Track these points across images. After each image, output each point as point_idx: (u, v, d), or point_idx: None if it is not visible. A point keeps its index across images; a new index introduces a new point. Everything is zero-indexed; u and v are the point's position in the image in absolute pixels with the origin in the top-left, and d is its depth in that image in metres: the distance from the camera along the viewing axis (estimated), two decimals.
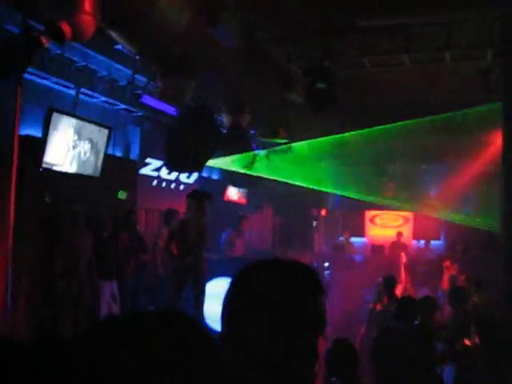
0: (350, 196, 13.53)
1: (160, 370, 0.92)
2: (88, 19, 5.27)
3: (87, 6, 5.20)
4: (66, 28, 5.14)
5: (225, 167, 11.67)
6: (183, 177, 11.50)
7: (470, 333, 6.24)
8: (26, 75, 6.63)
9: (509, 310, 6.95)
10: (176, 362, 0.94)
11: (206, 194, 8.40)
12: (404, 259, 11.46)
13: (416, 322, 6.06)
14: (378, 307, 8.79)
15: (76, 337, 1.02)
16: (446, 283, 9.41)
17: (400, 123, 10.85)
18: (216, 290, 8.55)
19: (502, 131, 7.71)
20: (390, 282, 7.46)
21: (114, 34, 6.18)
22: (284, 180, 12.48)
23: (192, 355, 0.96)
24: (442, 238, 14.58)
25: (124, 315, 1.06)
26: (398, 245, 13.94)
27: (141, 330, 0.97)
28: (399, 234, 14.35)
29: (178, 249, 7.93)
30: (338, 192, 13.92)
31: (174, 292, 7.89)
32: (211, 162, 10.48)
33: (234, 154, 10.18)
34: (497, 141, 9.26)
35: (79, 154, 8.14)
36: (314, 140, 11.74)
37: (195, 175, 11.73)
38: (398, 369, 5.40)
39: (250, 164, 11.51)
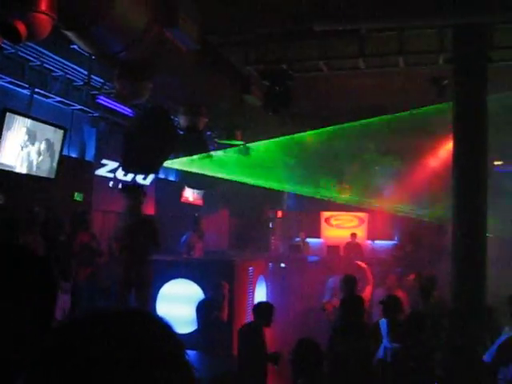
0: (305, 195, 13.60)
1: (124, 368, 0.92)
2: (44, 18, 5.20)
3: (43, 5, 5.13)
4: (21, 27, 5.07)
5: (182, 167, 11.60)
6: (140, 178, 11.43)
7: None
8: None
9: (457, 306, 7.19)
10: (139, 360, 0.94)
11: (136, 187, 8.12)
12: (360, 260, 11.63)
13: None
14: (328, 307, 8.94)
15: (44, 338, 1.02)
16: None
17: (354, 123, 11.00)
18: (173, 292, 8.54)
19: (452, 132, 7.93)
20: (349, 282, 7.57)
21: (69, 34, 6.11)
22: (240, 180, 12.47)
23: (156, 353, 0.97)
24: (396, 238, 14.85)
25: (86, 314, 1.03)
26: (352, 245, 14.15)
27: (102, 327, 0.97)
28: (353, 235, 14.56)
29: (124, 254, 7.64)
30: (295, 191, 14.00)
31: (121, 299, 7.65)
32: (168, 163, 10.44)
33: (190, 155, 10.16)
34: (448, 140, 9.54)
35: (34, 155, 8.02)
36: (270, 140, 11.79)
37: (151, 177, 11.68)
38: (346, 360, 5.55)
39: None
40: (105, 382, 0.91)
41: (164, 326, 1.03)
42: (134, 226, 7.57)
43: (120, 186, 10.16)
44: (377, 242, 15.31)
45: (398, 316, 6.56)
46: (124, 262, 7.56)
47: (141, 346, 0.96)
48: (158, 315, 1.06)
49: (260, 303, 6.91)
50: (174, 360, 0.99)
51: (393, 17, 6.90)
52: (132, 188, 8.01)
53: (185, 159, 10.80)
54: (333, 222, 16.11)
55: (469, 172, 7.58)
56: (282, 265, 11.46)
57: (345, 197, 14.26)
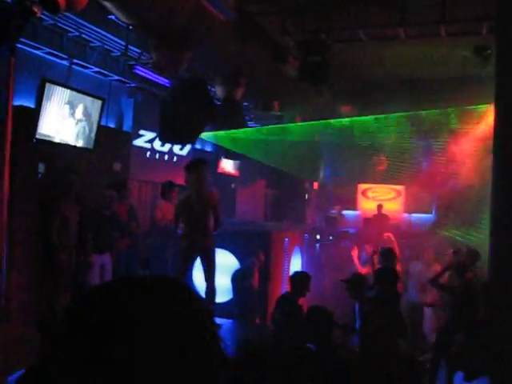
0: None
1: (152, 336, 0.93)
2: None
3: None
4: None
5: (217, 142, 11.67)
6: (176, 148, 11.48)
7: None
8: (19, 45, 6.57)
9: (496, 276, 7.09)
10: (168, 326, 0.95)
11: (203, 162, 8.13)
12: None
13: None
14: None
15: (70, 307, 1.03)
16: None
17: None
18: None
19: (494, 108, 7.73)
20: (387, 255, 7.54)
21: (107, 5, 6.12)
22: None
23: (184, 320, 0.97)
24: (433, 211, 14.67)
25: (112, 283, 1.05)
26: (378, 217, 14.02)
27: (132, 294, 0.98)
28: (380, 206, 14.43)
29: (185, 225, 7.71)
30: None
31: (180, 267, 7.75)
32: (204, 135, 10.48)
33: (227, 126, 10.16)
34: (488, 117, 9.32)
35: (73, 125, 8.11)
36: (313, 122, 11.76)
37: (188, 147, 11.72)
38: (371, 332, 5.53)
39: None
40: (125, 346, 0.92)
41: (191, 295, 1.04)
42: (194, 199, 7.62)
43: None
44: (414, 215, 15.15)
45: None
46: (185, 235, 7.67)
47: (165, 313, 0.95)
48: (186, 284, 1.06)
49: (296, 273, 6.92)
50: (198, 329, 0.98)
51: None
52: (197, 162, 8.01)
53: (221, 133, 10.83)
54: (369, 194, 15.98)
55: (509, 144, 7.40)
56: (318, 236, 11.45)
57: (382, 169, 14.14)
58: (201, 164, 7.87)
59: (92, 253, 8.03)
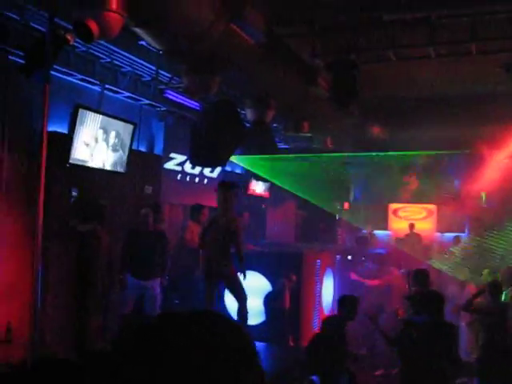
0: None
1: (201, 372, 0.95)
2: (115, 17, 5.31)
3: (114, 3, 5.24)
4: (94, 27, 5.19)
5: (247, 166, 11.74)
6: (207, 171, 11.55)
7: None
8: (52, 72, 6.70)
9: None
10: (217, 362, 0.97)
11: (231, 184, 8.23)
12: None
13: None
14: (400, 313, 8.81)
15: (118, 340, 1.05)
16: None
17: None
18: None
19: None
20: (420, 275, 7.43)
21: (138, 31, 6.22)
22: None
23: (232, 356, 0.99)
24: (466, 230, 14.46)
25: (158, 318, 1.09)
26: (410, 237, 13.88)
27: (182, 333, 1.00)
28: (411, 225, 14.29)
29: (208, 247, 7.78)
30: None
31: (207, 290, 7.78)
32: (234, 159, 10.54)
33: (257, 148, 10.19)
34: None
35: (105, 149, 8.22)
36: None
37: (219, 169, 11.78)
38: (419, 358, 5.44)
39: None
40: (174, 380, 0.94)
41: (233, 326, 1.05)
42: (219, 221, 7.71)
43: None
44: (446, 234, 14.94)
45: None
46: (205, 255, 7.73)
47: (210, 348, 0.98)
48: (226, 315, 1.07)
49: (345, 296, 6.86)
50: (240, 359, 1.00)
51: (464, 3, 6.69)
52: (228, 184, 8.16)
53: (250, 158, 10.88)
54: (400, 213, 15.83)
55: None
56: (349, 257, 11.35)
57: (413, 188, 14.02)
58: (227, 185, 7.97)
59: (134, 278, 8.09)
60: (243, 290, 7.75)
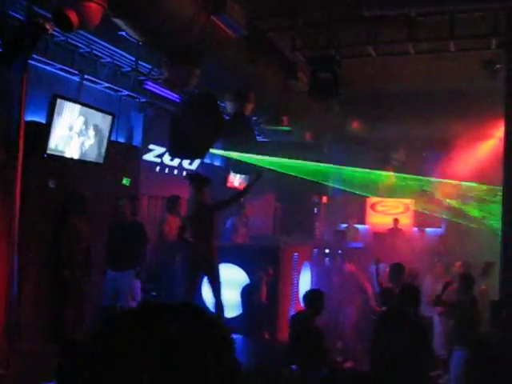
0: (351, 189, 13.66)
1: (176, 367, 0.96)
2: (95, 7, 5.28)
3: None
4: (73, 16, 5.15)
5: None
6: (186, 163, 11.52)
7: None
8: (30, 61, 6.62)
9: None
10: (192, 358, 0.98)
11: (203, 178, 8.30)
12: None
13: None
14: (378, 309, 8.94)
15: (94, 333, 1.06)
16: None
17: None
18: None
19: (504, 120, 7.76)
20: (399, 270, 7.52)
21: (118, 22, 6.17)
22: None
23: (208, 351, 1.00)
24: (442, 225, 14.61)
25: (139, 308, 1.11)
26: (394, 231, 14.01)
27: (156, 325, 1.01)
28: (396, 221, 14.40)
29: (192, 237, 7.86)
30: (339, 186, 14.01)
31: (189, 282, 7.82)
32: (213, 150, 10.51)
33: (236, 141, 10.17)
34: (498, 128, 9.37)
35: (83, 140, 8.15)
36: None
37: (198, 161, 11.75)
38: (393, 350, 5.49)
39: None
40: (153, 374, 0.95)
41: (210, 320, 1.07)
42: (196, 213, 7.76)
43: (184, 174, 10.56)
44: (425, 229, 15.07)
45: None
46: (191, 247, 7.78)
47: (186, 343, 0.98)
48: (203, 308, 1.09)
49: (309, 291, 6.86)
50: (218, 353, 1.01)
51: (444, 1, 6.74)
52: (195, 177, 8.21)
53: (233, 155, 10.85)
54: (378, 208, 15.93)
55: None
56: (327, 251, 11.42)
57: (390, 183, 14.14)
58: (198, 178, 8.03)
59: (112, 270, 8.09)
60: (220, 281, 7.82)
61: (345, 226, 14.59)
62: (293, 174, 12.11)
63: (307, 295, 6.60)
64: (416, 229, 15.07)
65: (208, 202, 7.91)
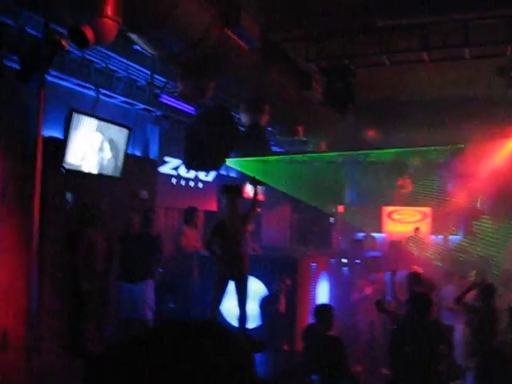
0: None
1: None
2: (110, 23, 5.33)
3: (109, 10, 5.26)
4: (89, 33, 5.21)
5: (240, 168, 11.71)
6: (202, 175, 11.55)
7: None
8: (47, 77, 6.70)
9: None
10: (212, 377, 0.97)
11: (236, 188, 8.33)
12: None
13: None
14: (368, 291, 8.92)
15: (112, 351, 1.06)
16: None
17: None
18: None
19: None
20: (415, 279, 7.48)
21: (133, 36, 6.24)
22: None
23: (227, 370, 0.99)
24: (461, 232, 14.48)
25: (159, 327, 1.08)
26: (415, 240, 13.91)
27: (176, 345, 1.00)
28: (417, 229, 14.30)
29: (220, 248, 7.86)
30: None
31: (217, 294, 7.81)
32: (229, 162, 10.55)
33: (252, 152, 10.20)
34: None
35: (100, 154, 8.22)
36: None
37: (214, 173, 11.78)
38: (413, 360, 5.45)
39: None
40: None
41: (231, 338, 1.06)
42: (230, 223, 7.80)
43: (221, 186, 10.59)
44: (440, 237, 14.95)
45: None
46: (220, 258, 7.80)
47: (210, 364, 0.98)
48: (226, 326, 1.08)
49: (318, 306, 6.85)
50: (236, 372, 1.00)
51: (457, 9, 6.73)
52: (229, 187, 8.26)
53: (243, 160, 10.87)
54: (395, 216, 15.84)
55: None
56: (344, 260, 11.38)
57: (406, 191, 14.05)
58: (232, 188, 8.06)
59: (124, 282, 8.11)
60: (248, 293, 7.83)
61: (362, 235, 14.52)
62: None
63: (317, 311, 6.57)
64: (437, 237, 14.96)
65: (241, 212, 7.97)
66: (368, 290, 9.52)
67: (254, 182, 8.33)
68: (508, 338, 6.15)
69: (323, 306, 6.87)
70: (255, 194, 8.25)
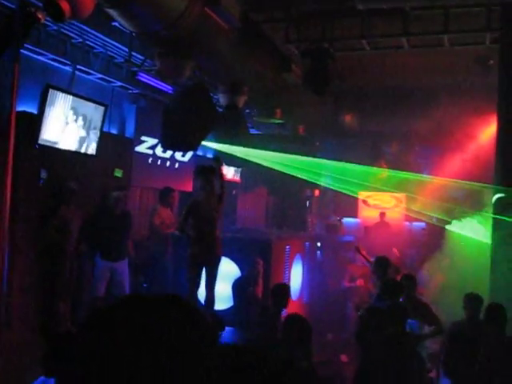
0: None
1: (155, 357, 0.96)
2: None
3: None
4: (65, 6, 5.11)
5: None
6: (178, 155, 11.48)
7: None
8: (22, 51, 6.57)
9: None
10: (173, 349, 0.98)
11: (212, 169, 8.29)
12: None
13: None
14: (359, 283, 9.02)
15: (79, 325, 1.06)
16: None
17: None
18: None
19: (497, 114, 7.77)
20: (383, 264, 7.53)
21: (111, 12, 6.13)
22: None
23: (189, 343, 1.00)
24: (434, 219, 14.63)
25: (124, 300, 1.10)
26: (380, 225, 14.08)
27: (140, 317, 1.01)
28: (382, 214, 14.46)
29: (194, 230, 7.81)
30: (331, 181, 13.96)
31: (193, 276, 7.78)
32: (206, 143, 10.47)
33: (229, 133, 10.14)
34: (491, 123, 9.36)
35: (75, 131, 8.11)
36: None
37: (190, 153, 11.71)
38: (378, 346, 5.50)
39: None
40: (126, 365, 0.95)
41: (194, 314, 1.06)
42: (206, 203, 7.76)
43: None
44: (415, 223, 15.12)
45: None
46: (193, 240, 7.76)
47: (164, 334, 0.98)
48: (189, 301, 1.08)
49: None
50: (195, 348, 1.01)
51: None
52: (203, 169, 8.21)
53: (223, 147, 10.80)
54: (370, 201, 15.97)
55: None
56: (318, 244, 11.45)
57: (382, 177, 14.14)
58: (207, 170, 8.01)
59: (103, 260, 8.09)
60: (217, 275, 7.84)
61: (332, 219, 14.64)
62: (284, 170, 12.04)
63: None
64: (407, 223, 15.14)
65: (217, 193, 7.94)
66: (360, 282, 9.68)
67: (218, 162, 8.27)
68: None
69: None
70: (221, 173, 8.20)
